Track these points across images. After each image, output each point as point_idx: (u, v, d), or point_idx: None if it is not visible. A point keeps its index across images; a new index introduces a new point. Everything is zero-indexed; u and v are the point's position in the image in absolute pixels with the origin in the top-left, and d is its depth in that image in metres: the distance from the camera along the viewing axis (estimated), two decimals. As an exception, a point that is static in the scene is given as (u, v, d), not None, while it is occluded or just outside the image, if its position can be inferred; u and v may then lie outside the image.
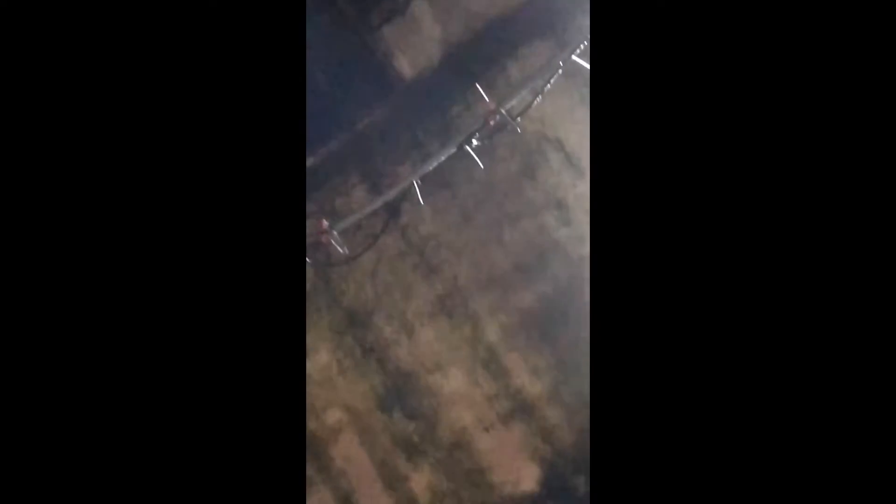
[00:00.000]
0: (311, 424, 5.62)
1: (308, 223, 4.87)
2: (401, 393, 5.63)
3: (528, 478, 5.50)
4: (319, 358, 5.69)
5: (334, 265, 5.40)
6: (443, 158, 4.84)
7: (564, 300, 5.32)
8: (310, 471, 5.58)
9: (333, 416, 5.71)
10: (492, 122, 4.62)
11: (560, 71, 4.51)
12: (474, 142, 4.68)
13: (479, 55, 5.18)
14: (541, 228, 5.26)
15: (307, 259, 5.24)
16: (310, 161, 5.40)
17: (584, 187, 5.15)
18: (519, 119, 4.72)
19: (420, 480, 5.75)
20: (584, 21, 4.56)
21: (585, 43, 4.43)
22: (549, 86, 4.61)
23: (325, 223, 4.93)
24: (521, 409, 5.40)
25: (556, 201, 5.13)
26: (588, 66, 4.53)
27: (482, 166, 4.81)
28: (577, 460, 5.39)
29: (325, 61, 5.46)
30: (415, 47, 5.35)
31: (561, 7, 4.97)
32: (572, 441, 5.41)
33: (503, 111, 4.63)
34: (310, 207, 5.34)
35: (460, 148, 4.71)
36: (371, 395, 5.66)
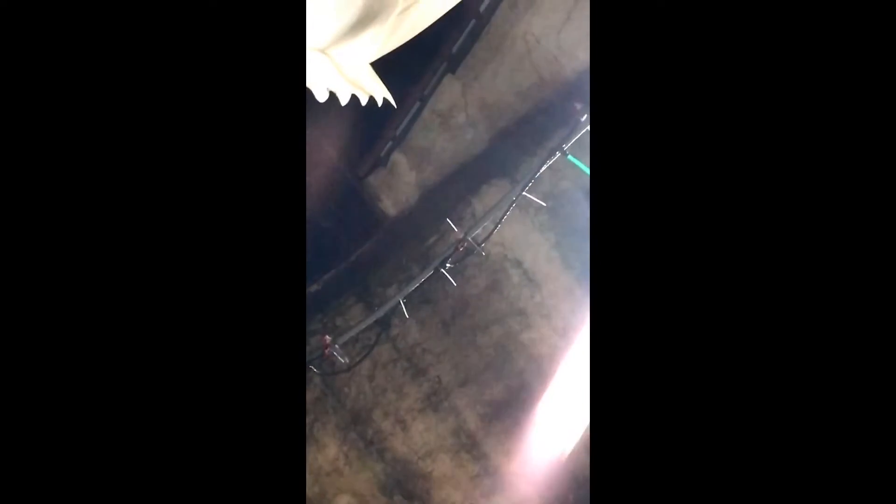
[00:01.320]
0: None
1: (314, 340, 5.53)
2: (399, 478, 6.00)
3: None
4: (329, 452, 6.07)
5: (337, 373, 5.72)
6: (423, 280, 5.21)
7: (528, 391, 5.78)
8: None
9: (343, 500, 6.08)
10: (461, 248, 5.03)
11: (514, 204, 4.97)
12: (448, 265, 5.04)
13: (448, 194, 5.77)
14: (507, 333, 5.75)
15: (315, 369, 5.59)
16: (313, 287, 6.04)
17: (540, 297, 5.73)
18: (483, 244, 5.11)
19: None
20: (532, 163, 5.16)
21: (533, 181, 4.91)
22: (505, 216, 5.04)
23: (328, 338, 5.28)
24: (500, 486, 5.84)
25: (517, 310, 5.66)
26: (538, 201, 5.08)
27: (455, 284, 5.18)
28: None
29: (324, 205, 5.91)
30: (395, 190, 5.95)
31: (513, 152, 5.59)
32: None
33: (470, 239, 5.03)
34: (314, 326, 5.98)
35: (436, 270, 5.08)
36: (374, 481, 6.03)
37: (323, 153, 5.91)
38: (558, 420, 5.83)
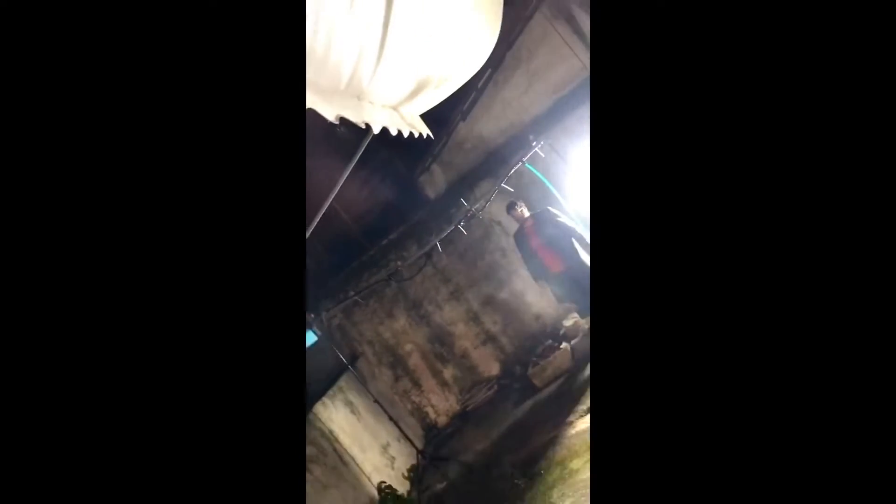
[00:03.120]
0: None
1: (391, 265, 6.39)
2: (437, 334, 6.85)
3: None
4: (398, 323, 6.92)
5: (403, 281, 6.52)
6: (448, 231, 5.85)
7: (508, 289, 6.47)
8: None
9: (408, 346, 6.90)
10: (469, 216, 5.71)
11: (496, 191, 5.52)
12: (461, 224, 5.66)
13: (462, 187, 6.37)
14: (493, 259, 6.48)
15: (392, 280, 6.24)
16: (391, 236, 6.71)
17: (509, 241, 6.02)
18: (480, 214, 5.80)
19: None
20: (507, 169, 5.47)
21: (506, 178, 5.32)
22: (492, 198, 5.61)
23: (402, 263, 6.23)
24: (489, 340, 6.70)
25: (499, 248, 6.39)
26: (509, 188, 5.42)
27: (465, 233, 5.81)
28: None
29: (393, 194, 6.82)
30: (434, 185, 6.63)
31: (496, 164, 6.12)
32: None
33: (473, 209, 5.70)
34: (393, 259, 6.59)
35: (456, 227, 5.71)
36: (425, 337, 6.88)
37: (395, 166, 6.77)
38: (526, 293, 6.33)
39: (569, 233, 4.78)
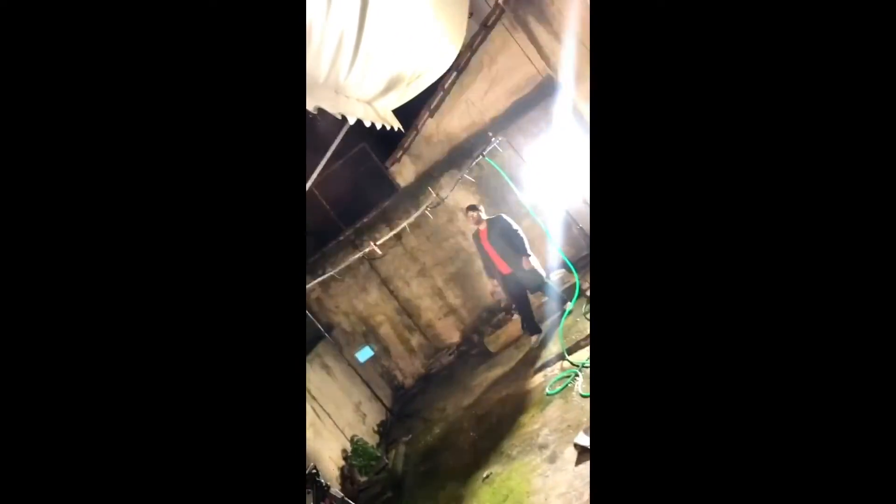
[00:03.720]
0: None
1: (366, 247, 5.92)
2: (406, 307, 6.76)
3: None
4: (372, 296, 6.79)
5: (374, 259, 6.48)
6: (416, 215, 5.88)
7: (467, 265, 6.39)
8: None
9: (380, 318, 6.82)
10: (435, 202, 5.81)
11: (459, 181, 5.72)
12: (428, 210, 5.72)
13: (429, 177, 6.30)
14: (456, 241, 6.44)
15: (368, 260, 6.30)
16: (365, 219, 6.58)
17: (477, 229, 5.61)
18: (445, 199, 5.97)
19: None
20: (468, 162, 5.48)
21: (468, 170, 5.44)
22: (455, 187, 5.82)
23: (373, 243, 5.80)
24: (451, 312, 6.68)
25: (462, 233, 6.32)
26: (471, 179, 5.70)
27: (432, 218, 5.95)
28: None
29: (370, 181, 6.64)
30: (404, 175, 6.49)
31: (459, 157, 6.01)
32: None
33: (438, 195, 5.83)
34: (365, 241, 6.34)
35: (423, 212, 5.75)
36: (394, 309, 6.80)
37: (369, 156, 6.56)
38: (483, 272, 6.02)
39: (517, 241, 4.67)
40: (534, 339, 4.87)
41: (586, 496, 2.38)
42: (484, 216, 4.85)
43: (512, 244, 4.63)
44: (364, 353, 5.85)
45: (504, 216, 4.82)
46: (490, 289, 5.17)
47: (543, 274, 4.79)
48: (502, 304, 6.12)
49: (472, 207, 4.87)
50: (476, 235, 4.87)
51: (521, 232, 4.74)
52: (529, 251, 4.67)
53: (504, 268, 4.71)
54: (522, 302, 4.86)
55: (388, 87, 2.66)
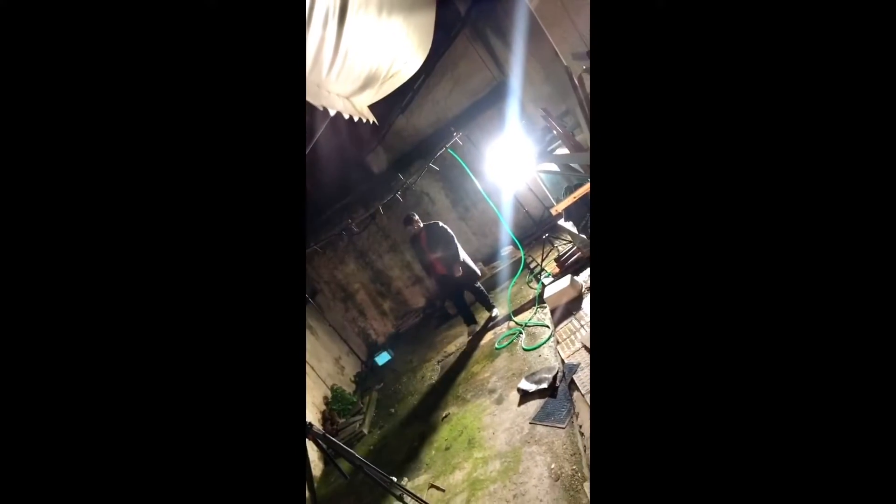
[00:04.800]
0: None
1: (345, 225, 5.95)
2: (379, 277, 6.63)
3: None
4: (349, 267, 6.63)
5: (353, 236, 6.33)
6: (388, 199, 5.70)
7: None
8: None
9: (355, 287, 6.60)
10: (405, 187, 5.74)
11: (426, 169, 5.61)
12: (398, 193, 5.65)
13: (400, 165, 6.14)
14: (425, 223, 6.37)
15: (345, 234, 6.01)
16: (343, 202, 6.27)
17: (434, 207, 6.17)
18: (413, 186, 5.90)
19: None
20: (434, 153, 5.32)
21: (433, 160, 5.34)
22: (422, 174, 5.74)
23: (350, 221, 6.03)
24: (418, 283, 6.59)
25: (427, 212, 6.18)
26: (435, 167, 5.47)
27: (402, 201, 5.76)
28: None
29: (347, 168, 6.28)
30: (378, 162, 6.28)
31: (425, 148, 5.82)
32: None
33: (408, 182, 5.77)
34: (345, 218, 6.15)
35: (394, 195, 5.66)
36: (368, 278, 6.71)
37: (347, 146, 6.02)
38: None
39: (452, 249, 4.31)
40: (469, 328, 4.55)
41: (526, 429, 2.45)
42: (420, 224, 4.45)
43: (447, 250, 4.27)
44: (382, 358, 5.71)
45: (439, 223, 4.44)
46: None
47: (478, 272, 4.45)
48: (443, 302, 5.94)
49: (409, 219, 4.41)
50: (415, 239, 4.45)
51: (455, 239, 4.39)
52: (463, 257, 4.33)
53: (440, 269, 4.36)
54: (458, 298, 4.51)
55: (364, 86, 2.59)
